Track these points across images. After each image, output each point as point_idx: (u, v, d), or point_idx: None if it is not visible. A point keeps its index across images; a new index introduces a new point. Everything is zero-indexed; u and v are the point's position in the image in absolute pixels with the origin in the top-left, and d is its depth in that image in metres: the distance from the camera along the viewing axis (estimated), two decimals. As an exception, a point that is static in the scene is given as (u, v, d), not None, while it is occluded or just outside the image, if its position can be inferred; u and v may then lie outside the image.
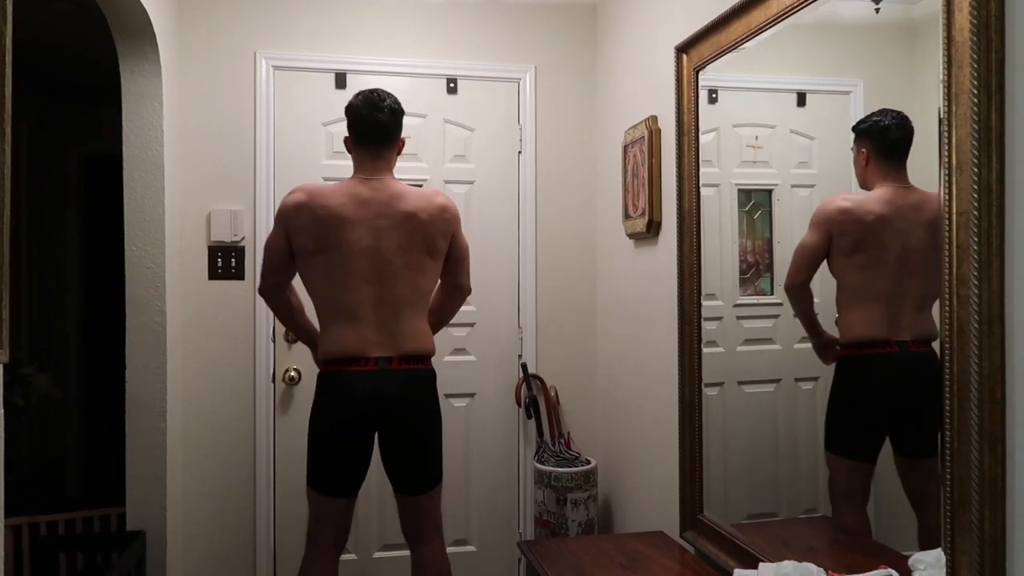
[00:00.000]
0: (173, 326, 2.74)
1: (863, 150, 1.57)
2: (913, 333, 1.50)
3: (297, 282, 2.31)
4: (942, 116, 1.18)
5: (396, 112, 2.26)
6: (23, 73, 3.92)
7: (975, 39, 1.11)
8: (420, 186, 2.39)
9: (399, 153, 2.33)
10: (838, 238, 1.64)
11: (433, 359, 2.32)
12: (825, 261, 1.68)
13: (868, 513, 1.64)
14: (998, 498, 1.10)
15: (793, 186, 1.90)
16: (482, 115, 3.12)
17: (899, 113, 1.49)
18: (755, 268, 2.03)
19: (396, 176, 2.32)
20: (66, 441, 4.67)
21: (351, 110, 2.26)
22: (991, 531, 1.10)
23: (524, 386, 3.07)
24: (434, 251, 2.26)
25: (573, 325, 3.19)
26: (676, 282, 2.31)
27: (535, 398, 3.05)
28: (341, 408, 2.18)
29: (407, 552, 2.36)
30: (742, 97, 2.16)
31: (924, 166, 1.39)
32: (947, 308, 1.18)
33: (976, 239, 1.11)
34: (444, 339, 3.01)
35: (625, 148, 2.77)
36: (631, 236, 2.75)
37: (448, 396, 3.05)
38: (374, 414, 2.19)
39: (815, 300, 1.77)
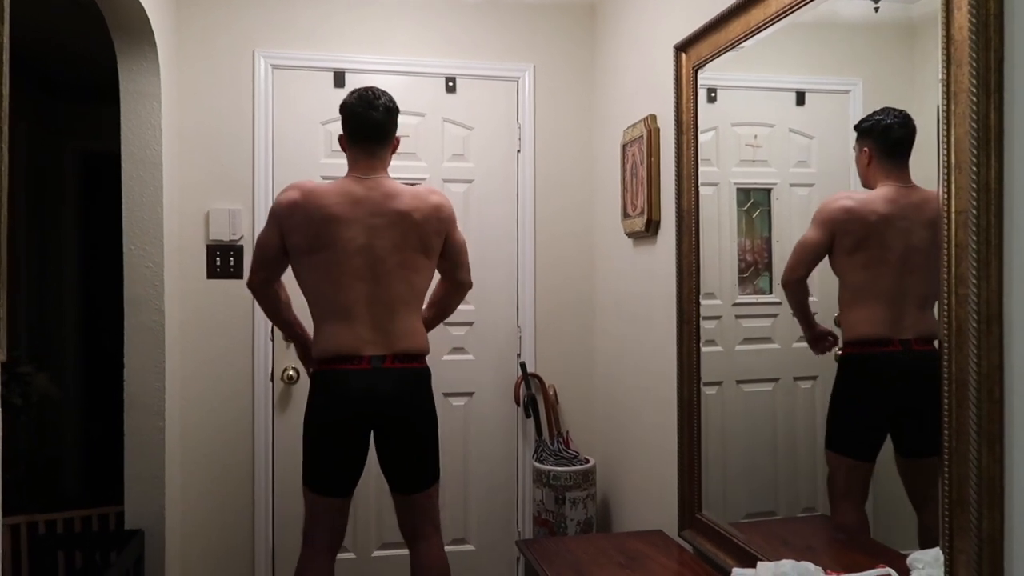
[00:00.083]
0: (172, 325, 2.74)
1: (865, 149, 1.57)
2: (916, 332, 1.50)
3: (287, 278, 2.31)
4: (941, 115, 1.18)
5: (391, 110, 2.26)
6: (21, 72, 3.91)
7: (974, 38, 1.11)
8: (415, 184, 2.39)
9: (394, 152, 2.33)
10: (841, 237, 1.64)
11: (432, 358, 2.32)
12: (827, 259, 1.68)
13: (867, 512, 1.64)
14: (996, 497, 1.10)
15: (792, 185, 1.90)
16: (481, 114, 3.12)
17: (901, 112, 1.49)
18: (754, 267, 2.03)
19: (395, 175, 2.32)
20: (65, 440, 4.67)
21: (346, 108, 2.26)
22: (989, 530, 1.10)
23: (523, 385, 3.07)
24: (428, 250, 2.26)
25: (572, 324, 3.19)
26: (675, 281, 2.31)
27: (534, 397, 3.05)
28: (335, 407, 2.18)
29: (406, 551, 2.36)
30: (741, 96, 2.16)
31: (923, 165, 1.39)
32: (946, 307, 1.18)
33: (975, 238, 1.11)
34: (443, 338, 3.01)
35: (624, 147, 2.77)
36: (630, 235, 2.75)
37: (447, 395, 3.05)
38: (368, 413, 2.19)
39: (814, 298, 1.77)
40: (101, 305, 4.70)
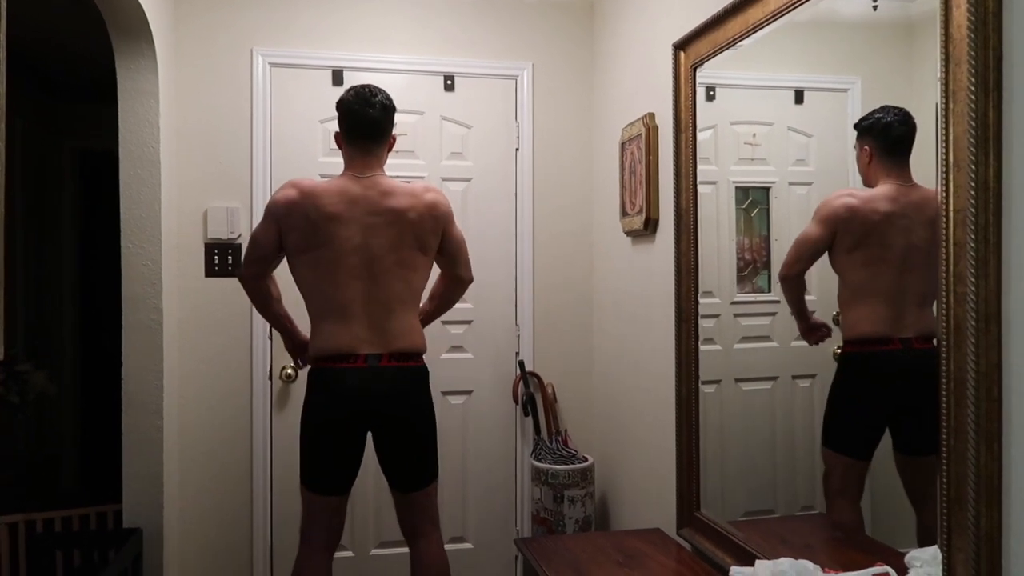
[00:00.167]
0: (170, 323, 2.73)
1: (866, 147, 1.57)
2: (916, 330, 1.50)
3: (285, 277, 2.31)
4: (939, 113, 1.18)
5: (387, 108, 2.26)
6: (19, 70, 3.91)
7: (972, 36, 1.11)
8: (410, 182, 2.40)
9: (390, 149, 2.33)
10: (843, 234, 1.64)
11: (430, 356, 2.33)
12: (827, 256, 1.68)
13: (866, 510, 1.64)
14: (994, 496, 1.10)
15: (791, 183, 1.90)
16: (479, 112, 3.12)
17: (901, 110, 1.48)
18: (752, 266, 2.03)
19: (394, 173, 2.31)
20: (63, 438, 4.67)
21: (342, 105, 2.25)
22: (987, 528, 1.10)
23: (521, 383, 3.07)
24: (425, 248, 2.26)
25: (570, 322, 3.19)
26: (673, 279, 2.31)
27: (532, 395, 3.05)
28: (331, 406, 2.18)
29: (405, 549, 2.37)
30: (740, 94, 2.16)
31: (922, 163, 1.39)
32: (944, 306, 1.18)
33: (973, 236, 1.11)
34: (441, 336, 3.01)
35: (622, 145, 2.77)
36: (628, 233, 2.75)
37: (445, 393, 3.05)
38: (365, 412, 2.19)
39: (812, 297, 1.77)
40: (99, 303, 4.70)
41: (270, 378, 2.94)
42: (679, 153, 2.27)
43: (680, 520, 2.25)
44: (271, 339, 2.92)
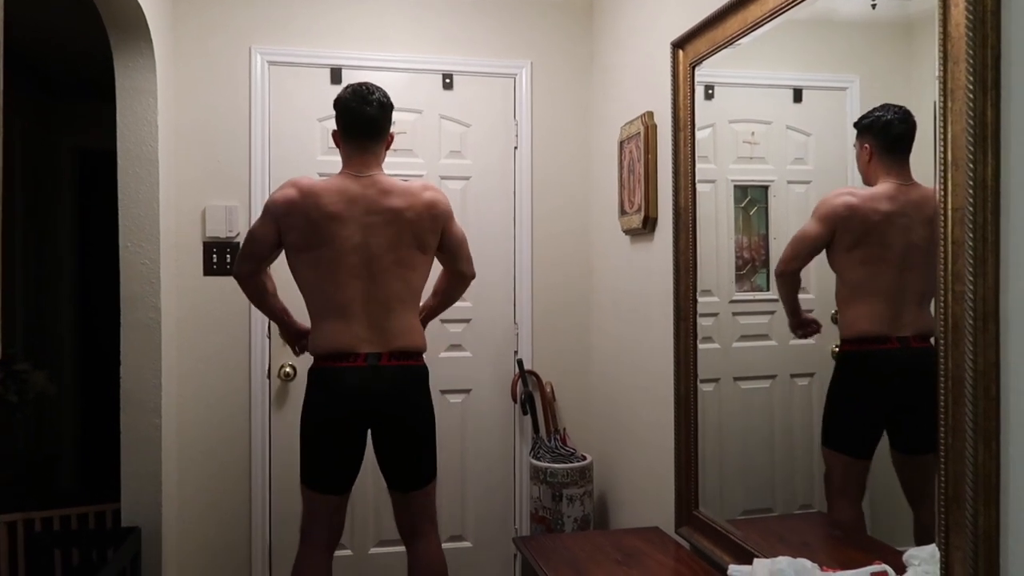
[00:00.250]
0: (168, 322, 2.73)
1: (866, 145, 1.56)
2: (914, 329, 1.50)
3: (275, 269, 2.31)
4: (938, 112, 1.18)
5: (385, 106, 2.26)
6: (17, 69, 3.90)
7: (971, 35, 1.11)
8: (410, 180, 2.40)
9: (388, 147, 2.32)
10: (842, 233, 1.64)
11: (429, 355, 2.33)
12: (824, 254, 1.68)
13: (864, 508, 1.64)
14: (992, 494, 1.10)
15: (789, 182, 1.90)
16: (478, 111, 3.12)
17: (901, 108, 1.48)
18: (751, 264, 2.03)
19: (392, 172, 2.31)
20: (61, 437, 4.67)
21: (340, 103, 2.25)
22: (985, 527, 1.10)
23: (520, 382, 3.07)
24: (424, 247, 2.26)
25: (569, 321, 3.19)
26: (672, 278, 2.31)
27: (531, 394, 3.05)
28: (331, 405, 2.18)
29: (403, 548, 2.37)
30: (738, 93, 2.16)
31: (921, 162, 1.39)
32: (942, 304, 1.18)
33: (971, 235, 1.11)
34: (440, 335, 3.01)
35: (621, 144, 2.77)
36: (627, 232, 2.75)
37: (444, 392, 3.05)
38: (365, 411, 2.19)
39: (811, 295, 1.78)
40: (98, 302, 4.69)
41: (268, 376, 2.94)
42: (678, 152, 2.27)
43: (679, 519, 2.25)
44: (269, 337, 2.92)
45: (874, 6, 1.59)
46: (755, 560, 1.62)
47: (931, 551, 1.28)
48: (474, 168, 3.11)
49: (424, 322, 2.43)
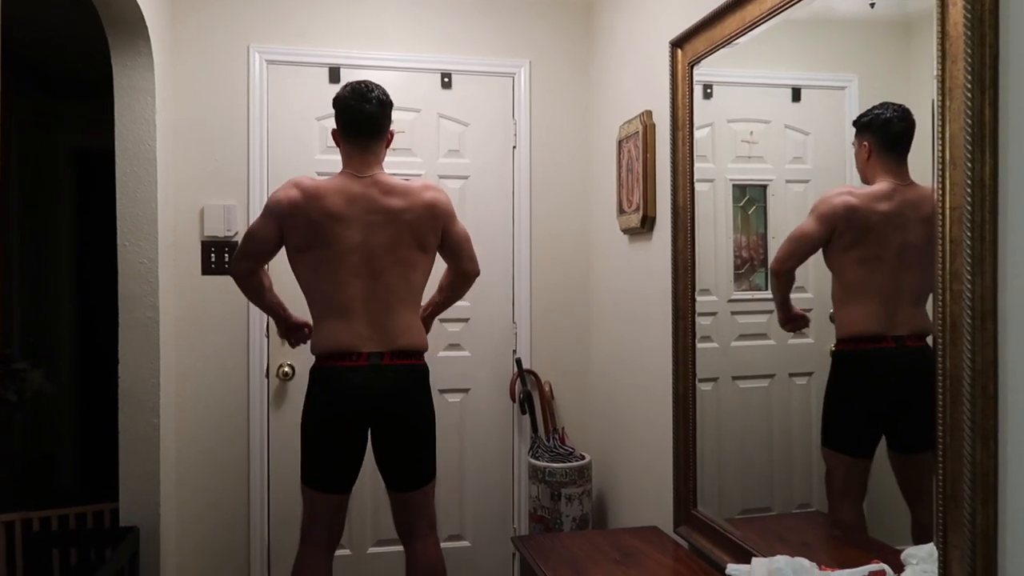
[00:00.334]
0: (166, 322, 2.73)
1: (865, 143, 1.56)
2: (910, 328, 1.50)
3: (284, 275, 2.30)
4: (936, 111, 1.18)
5: (385, 103, 2.25)
6: (17, 69, 3.90)
7: (969, 34, 1.11)
8: (411, 180, 2.40)
9: (388, 145, 2.32)
10: (841, 233, 1.64)
11: (428, 354, 2.32)
12: (821, 253, 1.68)
13: (863, 508, 1.64)
14: (990, 493, 1.10)
15: (788, 181, 1.90)
16: (476, 110, 3.12)
17: (900, 106, 1.48)
18: (749, 263, 2.03)
19: (391, 171, 2.31)
20: (59, 437, 4.67)
21: (339, 101, 2.25)
22: (983, 526, 1.10)
23: (518, 381, 3.07)
24: (424, 246, 2.26)
25: (567, 320, 3.19)
26: (670, 277, 2.31)
27: (529, 393, 3.05)
28: (333, 404, 2.18)
29: (401, 548, 2.36)
30: (737, 92, 2.16)
31: (919, 161, 1.39)
32: (940, 303, 1.18)
33: (969, 234, 1.11)
34: (439, 334, 3.01)
35: (619, 143, 2.77)
36: (625, 231, 2.75)
37: (442, 391, 3.05)
38: (366, 410, 2.19)
39: (809, 295, 1.78)
40: (96, 302, 4.69)
41: (267, 376, 2.94)
42: (676, 151, 2.27)
43: (677, 518, 2.25)
44: (268, 336, 2.92)
45: (872, 5, 1.59)
46: (753, 559, 1.62)
47: (929, 550, 1.28)
48: (472, 167, 3.11)
49: (429, 318, 2.44)
